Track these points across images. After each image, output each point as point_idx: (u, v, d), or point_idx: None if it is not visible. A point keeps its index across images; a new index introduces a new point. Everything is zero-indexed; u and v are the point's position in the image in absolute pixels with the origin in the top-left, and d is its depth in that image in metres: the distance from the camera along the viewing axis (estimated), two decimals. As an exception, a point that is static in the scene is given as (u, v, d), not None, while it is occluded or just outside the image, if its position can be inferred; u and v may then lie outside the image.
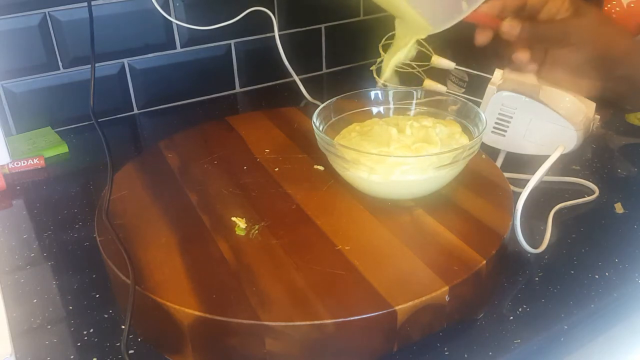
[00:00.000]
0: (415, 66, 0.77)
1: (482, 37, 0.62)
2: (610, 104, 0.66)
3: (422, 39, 0.75)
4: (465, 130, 0.59)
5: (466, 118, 0.59)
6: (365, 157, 0.52)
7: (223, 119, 0.73)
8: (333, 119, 0.60)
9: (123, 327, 0.48)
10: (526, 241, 0.54)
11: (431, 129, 0.56)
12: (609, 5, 0.98)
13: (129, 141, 0.84)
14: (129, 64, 0.86)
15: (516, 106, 0.61)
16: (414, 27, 0.61)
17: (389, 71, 0.63)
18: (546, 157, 0.58)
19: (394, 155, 0.53)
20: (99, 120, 0.72)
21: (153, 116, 0.89)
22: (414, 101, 0.63)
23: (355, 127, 0.60)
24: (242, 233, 0.51)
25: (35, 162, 0.74)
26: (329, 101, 0.60)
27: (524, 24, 0.59)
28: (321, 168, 0.60)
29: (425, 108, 0.62)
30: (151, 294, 0.44)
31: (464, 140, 0.57)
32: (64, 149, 0.78)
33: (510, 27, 0.59)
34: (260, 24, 0.90)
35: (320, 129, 0.57)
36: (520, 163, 0.65)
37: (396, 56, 0.61)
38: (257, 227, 0.51)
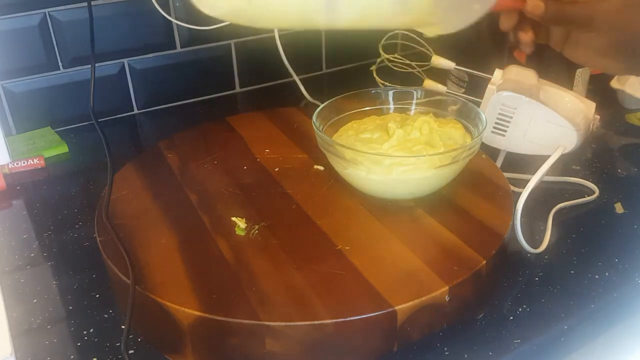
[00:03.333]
0: (415, 66, 0.77)
1: (506, 22, 0.59)
2: None
3: (422, 40, 0.75)
4: (466, 130, 0.59)
5: (466, 118, 0.59)
6: (365, 157, 0.52)
7: (223, 119, 0.73)
8: (333, 119, 0.60)
9: (123, 327, 0.48)
10: (526, 241, 0.54)
11: (435, 133, 0.55)
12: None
13: (129, 141, 0.84)
14: (129, 64, 0.86)
15: (516, 106, 0.61)
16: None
17: None
18: (546, 157, 0.58)
19: (394, 155, 0.53)
20: (99, 120, 0.72)
21: (153, 116, 0.89)
22: (414, 101, 0.63)
23: (353, 125, 0.60)
24: (242, 233, 0.51)
25: (35, 162, 0.74)
26: (329, 101, 0.60)
27: (549, 4, 0.57)
28: (321, 168, 0.60)
29: (425, 108, 0.62)
30: (151, 294, 0.44)
31: (465, 139, 0.57)
32: (64, 149, 0.78)
33: (534, 7, 0.56)
34: (260, 24, 0.90)
35: (321, 129, 0.57)
36: (520, 163, 0.65)
37: None
38: (257, 227, 0.51)
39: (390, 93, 0.63)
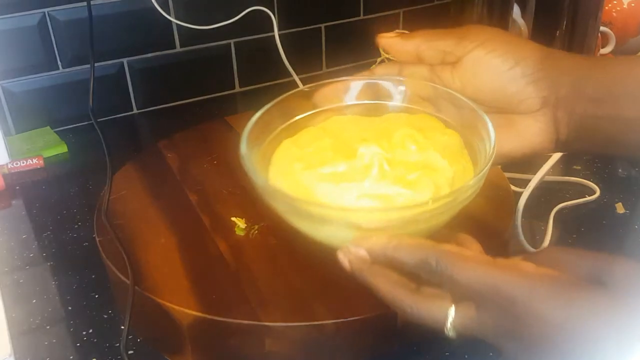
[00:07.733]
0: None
1: None
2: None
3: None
4: (447, 126, 0.46)
5: (467, 125, 0.44)
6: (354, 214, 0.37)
7: (223, 119, 0.73)
8: (265, 142, 0.45)
9: (122, 327, 0.48)
10: (527, 241, 0.54)
11: (429, 147, 0.42)
12: (609, 5, 0.98)
13: (128, 141, 0.84)
14: (128, 63, 0.86)
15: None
16: None
17: None
18: (547, 156, 0.58)
19: (392, 208, 0.38)
20: (98, 120, 0.72)
21: (152, 116, 0.89)
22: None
23: (291, 149, 0.44)
24: (242, 233, 0.50)
25: (35, 162, 0.74)
26: (255, 117, 0.44)
27: None
28: (321, 168, 0.60)
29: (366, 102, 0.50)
30: (150, 294, 0.43)
31: (461, 146, 0.44)
32: (63, 149, 0.78)
33: None
34: (260, 23, 0.90)
35: (255, 170, 0.39)
36: (521, 163, 0.64)
37: None
38: (256, 227, 0.51)
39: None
